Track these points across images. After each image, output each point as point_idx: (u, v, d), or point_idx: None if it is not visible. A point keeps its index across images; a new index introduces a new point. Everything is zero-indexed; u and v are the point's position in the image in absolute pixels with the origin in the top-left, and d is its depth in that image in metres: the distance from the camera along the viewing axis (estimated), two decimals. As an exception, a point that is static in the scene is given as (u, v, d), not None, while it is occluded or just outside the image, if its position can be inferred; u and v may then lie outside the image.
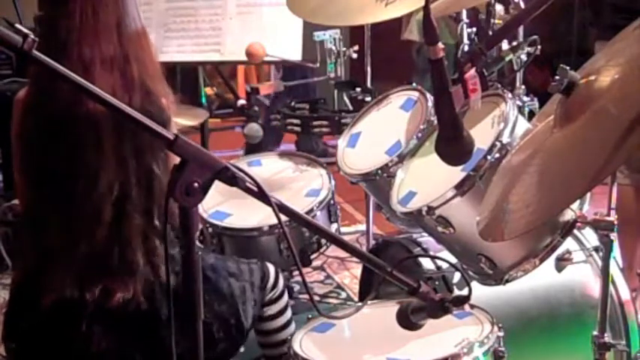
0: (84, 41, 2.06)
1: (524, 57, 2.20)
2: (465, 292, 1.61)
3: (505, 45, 2.13)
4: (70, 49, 2.05)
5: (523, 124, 2.17)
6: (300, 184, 3.06)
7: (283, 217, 1.44)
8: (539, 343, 2.44)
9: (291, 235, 2.80)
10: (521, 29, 2.86)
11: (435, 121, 2.02)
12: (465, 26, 3.22)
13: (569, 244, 2.45)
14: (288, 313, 2.56)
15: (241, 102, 3.32)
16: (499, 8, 2.96)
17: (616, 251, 2.23)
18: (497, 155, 2.08)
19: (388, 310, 2.12)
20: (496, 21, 2.96)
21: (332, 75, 3.45)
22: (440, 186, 2.13)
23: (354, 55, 3.51)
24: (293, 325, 2.54)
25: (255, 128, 3.21)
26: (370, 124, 2.81)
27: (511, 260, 2.12)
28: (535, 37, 2.12)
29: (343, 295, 3.82)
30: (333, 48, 3.44)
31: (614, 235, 2.07)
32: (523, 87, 2.92)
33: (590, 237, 2.49)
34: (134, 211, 2.07)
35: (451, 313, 1.60)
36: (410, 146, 2.51)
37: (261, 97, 3.65)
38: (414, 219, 2.24)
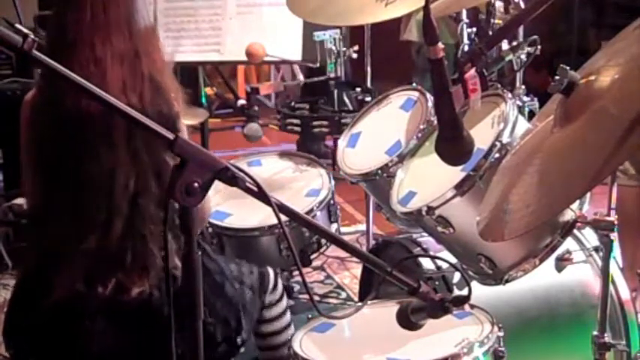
0: (95, 37, 2.06)
1: (524, 57, 2.20)
2: (465, 292, 1.61)
3: (505, 45, 2.13)
4: (81, 45, 2.06)
5: (523, 124, 2.17)
6: (300, 184, 3.06)
7: (283, 217, 1.44)
8: (539, 343, 2.44)
9: (291, 235, 2.80)
10: (521, 29, 2.86)
11: (435, 121, 2.02)
12: (465, 26, 3.22)
13: (569, 244, 2.45)
14: (288, 317, 2.56)
15: (241, 102, 3.32)
16: (499, 5, 2.96)
17: (616, 251, 2.23)
18: (497, 155, 2.08)
19: (388, 310, 2.12)
20: (496, 21, 2.96)
21: (332, 75, 3.46)
22: (440, 186, 2.13)
23: (354, 55, 3.51)
24: (292, 328, 2.54)
25: (255, 128, 3.21)
26: (370, 124, 2.81)
27: (511, 260, 2.12)
28: (535, 37, 2.12)
29: (343, 295, 3.82)
30: (333, 48, 3.44)
31: (614, 235, 2.07)
32: (523, 87, 2.92)
33: (590, 237, 2.49)
34: (149, 205, 2.06)
35: (451, 313, 1.59)
36: (410, 146, 2.51)
37: (262, 97, 3.65)
38: (414, 219, 2.24)
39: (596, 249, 2.45)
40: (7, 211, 3.51)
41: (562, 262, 2.46)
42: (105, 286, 2.06)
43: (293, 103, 3.57)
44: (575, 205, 2.06)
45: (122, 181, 2.04)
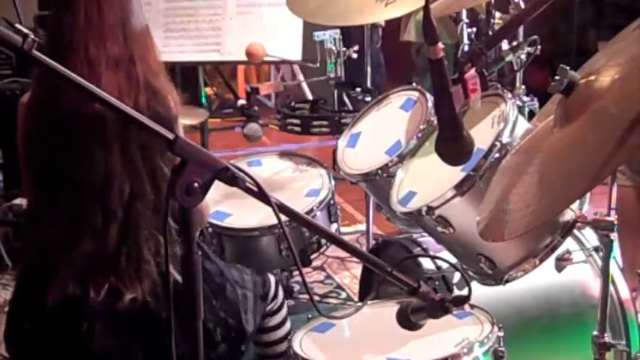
0: (90, 41, 2.05)
1: (524, 57, 2.20)
2: (465, 292, 1.61)
3: (505, 45, 2.13)
4: (76, 48, 2.04)
5: (523, 124, 2.17)
6: (300, 184, 3.06)
7: (283, 217, 1.44)
8: (539, 343, 2.44)
9: (291, 235, 2.80)
10: (521, 29, 2.86)
11: (435, 121, 2.02)
12: (464, 26, 3.22)
13: (569, 244, 2.45)
14: (288, 325, 2.55)
15: (241, 102, 3.32)
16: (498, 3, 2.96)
17: (616, 251, 2.23)
18: (497, 155, 2.08)
19: (388, 310, 2.12)
20: (496, 21, 2.96)
21: (332, 75, 3.46)
22: (440, 186, 2.13)
23: (354, 55, 3.51)
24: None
25: (255, 128, 3.21)
26: (370, 124, 2.81)
27: (511, 260, 2.12)
28: (535, 37, 2.12)
29: (343, 295, 3.83)
30: (333, 48, 3.44)
31: (614, 235, 2.07)
32: (523, 87, 2.92)
33: (590, 237, 2.50)
34: (144, 210, 2.06)
35: (451, 313, 1.59)
36: (410, 146, 2.51)
37: (262, 97, 3.65)
38: (414, 219, 2.24)
39: (596, 249, 2.45)
40: (7, 211, 3.51)
41: (562, 262, 2.46)
42: (98, 292, 2.05)
43: (293, 103, 3.57)
44: (575, 205, 2.06)
45: (117, 185, 2.03)
